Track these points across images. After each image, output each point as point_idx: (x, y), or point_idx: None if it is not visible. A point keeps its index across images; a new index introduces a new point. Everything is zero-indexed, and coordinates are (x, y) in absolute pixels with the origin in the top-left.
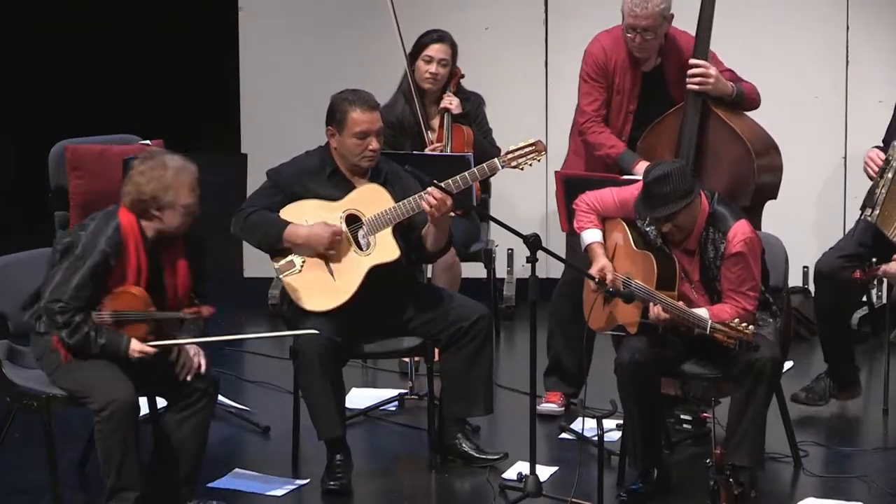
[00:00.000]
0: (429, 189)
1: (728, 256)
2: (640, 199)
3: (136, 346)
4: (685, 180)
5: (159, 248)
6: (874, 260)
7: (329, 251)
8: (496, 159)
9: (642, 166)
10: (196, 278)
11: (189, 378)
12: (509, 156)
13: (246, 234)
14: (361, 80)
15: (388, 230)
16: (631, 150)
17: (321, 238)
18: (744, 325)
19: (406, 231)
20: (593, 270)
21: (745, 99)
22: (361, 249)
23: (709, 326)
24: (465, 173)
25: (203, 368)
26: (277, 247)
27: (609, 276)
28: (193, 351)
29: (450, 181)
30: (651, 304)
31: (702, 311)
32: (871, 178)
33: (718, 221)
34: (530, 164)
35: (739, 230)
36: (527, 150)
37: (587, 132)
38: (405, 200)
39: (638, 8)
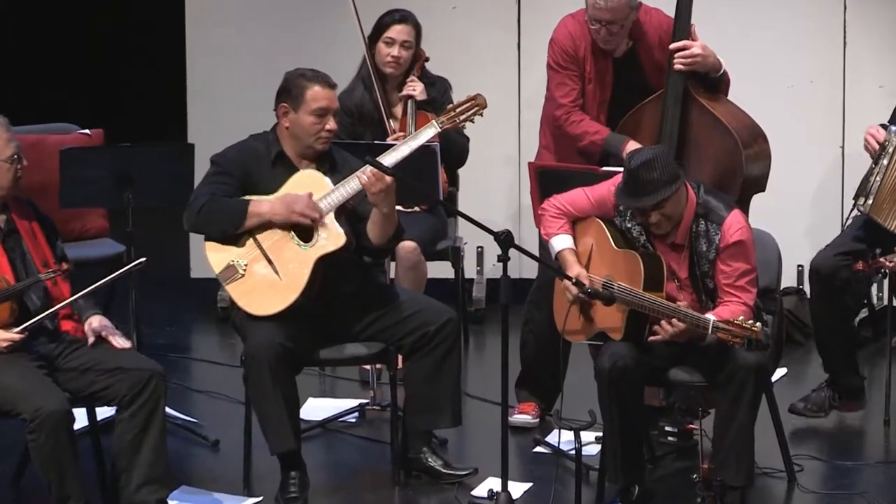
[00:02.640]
0: (360, 172)
1: (725, 248)
2: (625, 189)
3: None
4: (671, 165)
5: (11, 221)
6: (878, 251)
7: (302, 217)
8: (433, 120)
9: (633, 146)
10: (51, 242)
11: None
12: (447, 116)
13: (203, 226)
14: (317, 64)
15: (332, 216)
16: (617, 133)
17: (293, 202)
18: (749, 322)
19: (354, 220)
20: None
21: (725, 80)
22: (305, 242)
23: (711, 325)
24: (400, 144)
25: (123, 344)
26: (241, 229)
27: (585, 283)
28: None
29: (386, 153)
30: (661, 319)
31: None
32: (871, 152)
33: (711, 212)
34: (472, 121)
35: (735, 220)
36: (466, 105)
37: (566, 124)
38: (344, 181)
39: (602, 0)
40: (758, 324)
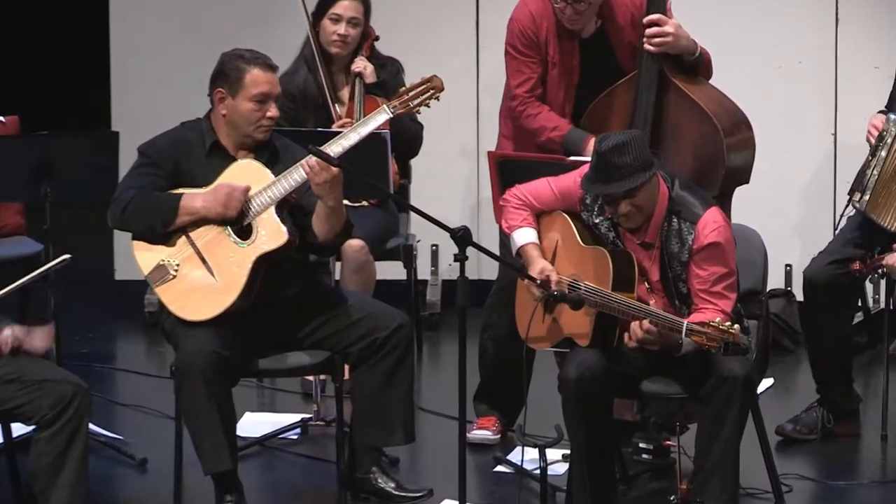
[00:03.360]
0: (303, 161)
1: (699, 250)
2: (593, 175)
3: None
4: (645, 151)
5: None
6: (878, 249)
7: (236, 213)
8: (384, 105)
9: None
10: None
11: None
12: (399, 100)
13: (130, 223)
14: (256, 44)
15: (272, 211)
16: (578, 129)
17: (228, 195)
18: (727, 323)
19: (298, 215)
20: (532, 273)
21: (704, 61)
22: (242, 239)
23: (685, 327)
24: (347, 131)
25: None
26: (172, 227)
27: (553, 277)
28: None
29: (332, 141)
30: (631, 321)
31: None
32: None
33: (684, 209)
34: (428, 106)
35: (711, 218)
36: (421, 88)
37: (521, 117)
38: (287, 173)
39: None
40: (735, 326)
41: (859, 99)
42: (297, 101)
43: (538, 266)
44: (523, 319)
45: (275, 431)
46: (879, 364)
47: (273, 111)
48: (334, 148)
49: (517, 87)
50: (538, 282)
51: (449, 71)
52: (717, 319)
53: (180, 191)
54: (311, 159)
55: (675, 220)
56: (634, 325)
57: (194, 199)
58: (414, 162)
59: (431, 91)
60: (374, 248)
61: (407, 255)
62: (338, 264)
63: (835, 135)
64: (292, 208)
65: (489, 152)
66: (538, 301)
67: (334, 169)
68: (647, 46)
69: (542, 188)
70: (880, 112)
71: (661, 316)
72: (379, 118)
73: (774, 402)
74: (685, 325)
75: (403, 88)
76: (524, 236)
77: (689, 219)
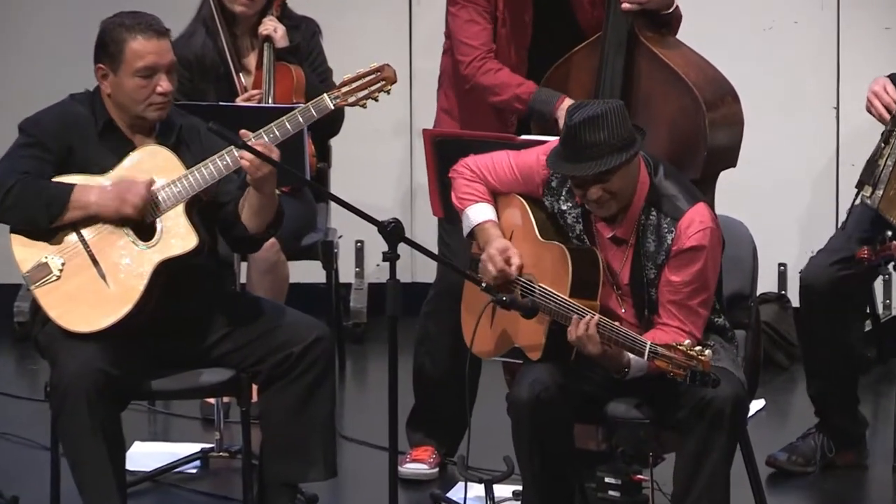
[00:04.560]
0: (239, 153)
1: (677, 253)
2: (561, 152)
3: None
4: (625, 126)
5: None
6: (888, 234)
7: (136, 211)
8: (325, 95)
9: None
10: None
11: None
12: (344, 89)
13: (9, 214)
14: (144, 3)
15: (181, 209)
16: (548, 88)
17: (126, 190)
18: (697, 348)
19: (209, 209)
20: (493, 251)
21: (676, 16)
22: (143, 240)
23: (647, 350)
24: (284, 119)
25: None
26: (60, 223)
27: (515, 262)
28: None
29: (261, 132)
30: (570, 318)
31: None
32: (879, 119)
33: (666, 202)
34: (376, 99)
35: (697, 216)
36: (369, 78)
37: (479, 73)
38: (202, 165)
39: None
40: (707, 351)
41: (865, 66)
42: (194, 69)
43: (496, 244)
44: (469, 324)
45: (170, 464)
46: (890, 382)
47: (164, 85)
48: (260, 139)
49: (472, 39)
50: (483, 286)
51: (375, 30)
52: (686, 342)
53: (73, 179)
54: (246, 152)
55: (654, 213)
56: (576, 322)
57: (88, 192)
58: (334, 142)
59: (382, 83)
60: (286, 245)
61: (326, 253)
62: (243, 265)
63: (836, 108)
64: (205, 206)
65: (425, 130)
66: (490, 302)
67: (273, 158)
68: (624, 5)
69: (500, 163)
70: (887, 76)
71: (622, 334)
72: (319, 107)
73: (766, 427)
74: (648, 346)
75: (348, 77)
76: (481, 212)
77: (671, 214)
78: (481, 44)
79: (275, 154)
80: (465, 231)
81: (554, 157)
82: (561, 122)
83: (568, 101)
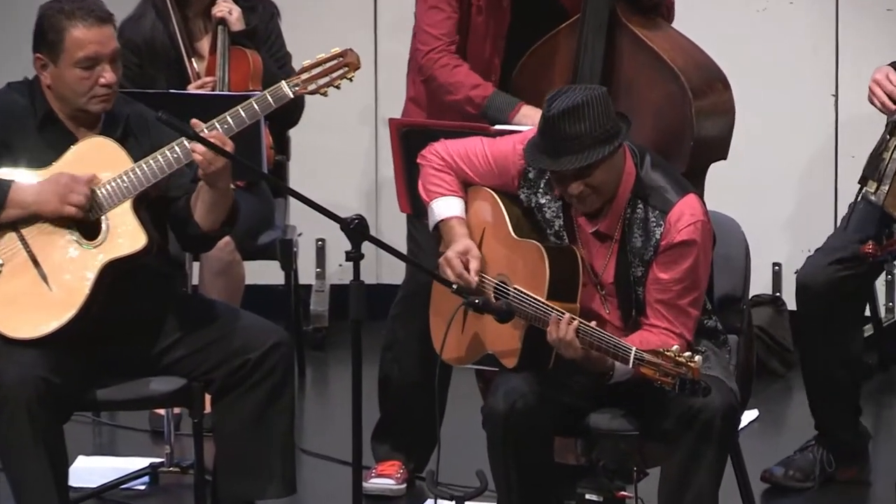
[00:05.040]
0: (191, 145)
1: (667, 248)
2: (539, 144)
3: None
4: (607, 115)
5: None
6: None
7: (78, 211)
8: (283, 83)
9: (528, 114)
10: None
11: None
12: (304, 75)
13: None
14: None
15: (128, 206)
16: (505, 93)
17: (66, 186)
18: (686, 354)
19: (159, 205)
20: (451, 254)
21: (666, 3)
22: (89, 239)
23: (633, 356)
24: (239, 108)
25: None
26: None
27: (473, 266)
28: None
29: (215, 122)
30: (548, 322)
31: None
32: (882, 110)
33: (654, 194)
34: (338, 86)
35: (688, 209)
36: (330, 64)
37: (434, 67)
38: (151, 158)
39: None
40: (697, 357)
41: (867, 51)
42: (143, 54)
43: (460, 245)
44: (439, 329)
45: (116, 480)
46: (893, 391)
47: (108, 76)
48: (224, 126)
49: (432, 28)
50: (454, 288)
51: (338, 12)
52: (675, 347)
53: (10, 174)
54: (198, 144)
55: (640, 206)
56: (556, 322)
57: (26, 190)
58: (293, 133)
59: (344, 69)
60: (242, 243)
61: (285, 252)
62: (195, 265)
63: (836, 97)
64: (154, 202)
65: (391, 120)
66: (462, 305)
67: (228, 150)
68: None
69: (473, 149)
70: (890, 65)
71: (605, 339)
72: (277, 95)
73: (760, 440)
74: (633, 352)
75: (308, 63)
76: (448, 207)
77: (660, 207)
78: (442, 34)
79: (229, 146)
80: (431, 226)
81: (531, 150)
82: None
83: (526, 109)
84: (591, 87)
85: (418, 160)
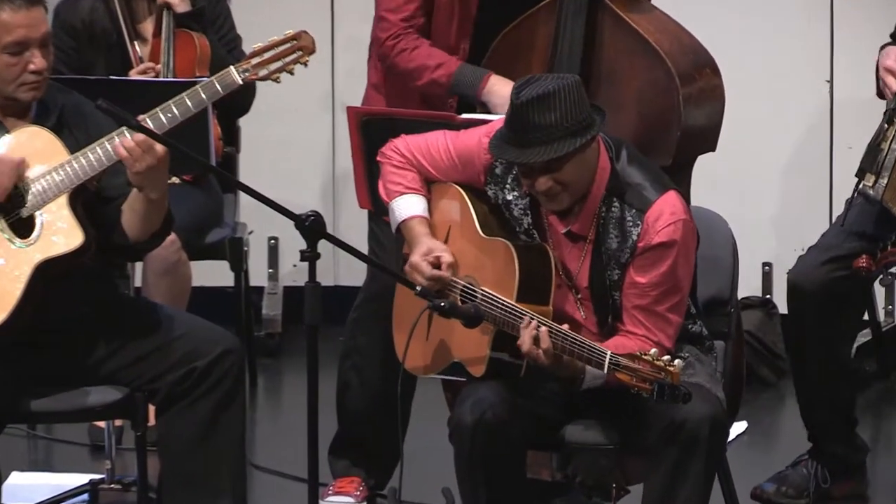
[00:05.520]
0: (127, 132)
1: (644, 250)
2: (505, 136)
3: None
4: (579, 105)
5: None
6: (893, 238)
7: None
8: (232, 68)
9: (499, 87)
10: None
11: None
12: (254, 60)
13: None
14: None
15: (64, 201)
16: (472, 65)
17: None
18: (665, 357)
19: (95, 203)
20: (415, 258)
21: None
22: (20, 237)
23: (607, 361)
24: (184, 96)
25: None
26: None
27: (445, 260)
28: None
29: (157, 110)
30: (519, 326)
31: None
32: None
33: (630, 191)
34: (291, 72)
35: (667, 208)
36: (283, 48)
37: (393, 54)
38: (89, 150)
39: None
40: (676, 361)
41: (862, 35)
42: (81, 37)
43: (424, 246)
44: (402, 335)
45: (53, 498)
46: (892, 401)
47: (38, 62)
48: (156, 121)
49: (391, 13)
50: (418, 290)
51: None
52: (653, 351)
53: None
54: (129, 138)
55: (616, 204)
56: (527, 332)
57: None
58: (244, 122)
59: (298, 53)
60: (188, 242)
61: (235, 252)
62: (138, 265)
63: (831, 83)
64: (90, 199)
65: (349, 108)
66: (426, 309)
67: (160, 149)
68: None
69: (436, 145)
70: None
71: (578, 343)
72: (226, 81)
73: (750, 453)
74: (608, 356)
75: (259, 46)
76: (409, 206)
77: (637, 205)
78: (401, 18)
79: (158, 149)
80: (393, 227)
81: (497, 141)
82: (490, 106)
83: (496, 80)
84: (564, 75)
85: (378, 158)
